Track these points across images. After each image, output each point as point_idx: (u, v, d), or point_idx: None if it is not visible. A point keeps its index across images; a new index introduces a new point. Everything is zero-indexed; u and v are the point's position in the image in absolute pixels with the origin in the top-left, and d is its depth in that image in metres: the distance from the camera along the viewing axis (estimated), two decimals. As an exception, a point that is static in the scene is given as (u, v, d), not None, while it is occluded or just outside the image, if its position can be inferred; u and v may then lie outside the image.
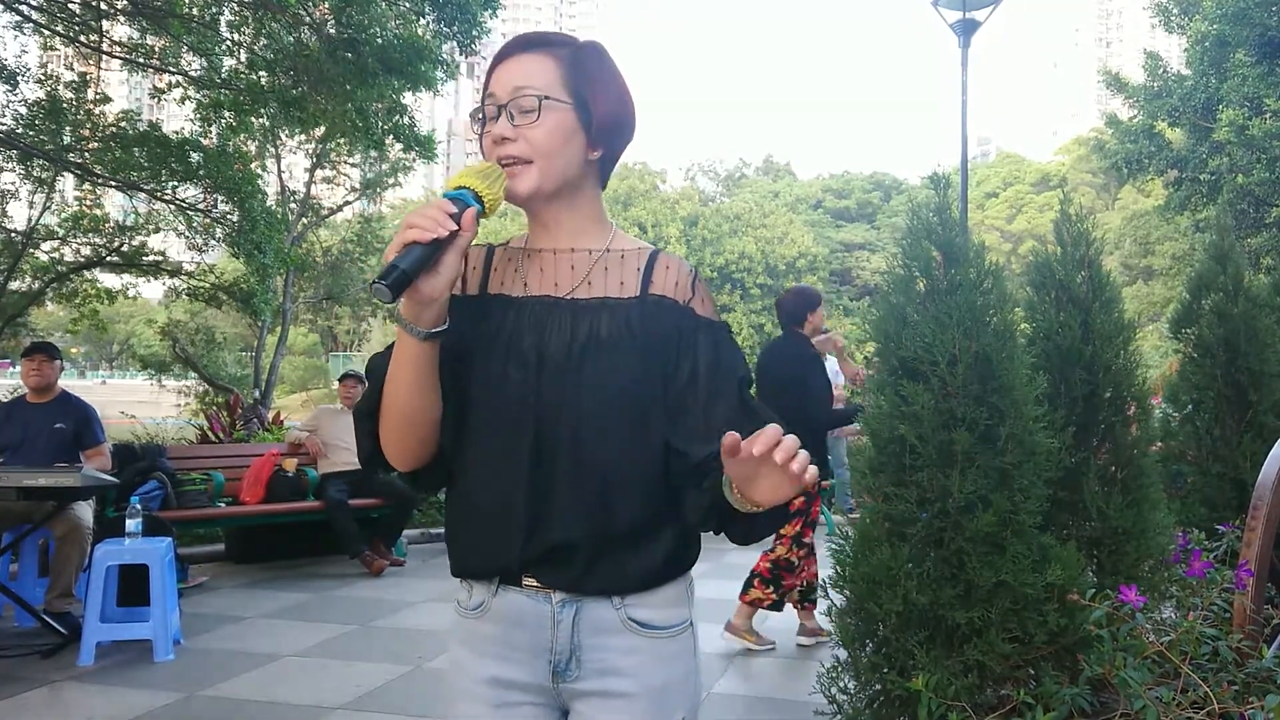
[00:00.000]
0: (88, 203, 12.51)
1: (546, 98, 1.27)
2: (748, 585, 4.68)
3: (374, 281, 1.12)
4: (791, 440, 1.05)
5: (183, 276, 12.85)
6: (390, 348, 1.28)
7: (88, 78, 10.67)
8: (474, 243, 1.25)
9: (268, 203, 10.36)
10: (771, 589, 4.63)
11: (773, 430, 1.04)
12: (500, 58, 1.32)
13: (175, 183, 9.90)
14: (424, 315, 1.18)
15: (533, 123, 1.26)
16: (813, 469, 1.05)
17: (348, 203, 18.07)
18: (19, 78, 9.61)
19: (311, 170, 16.61)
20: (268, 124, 11.58)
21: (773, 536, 4.56)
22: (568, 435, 1.24)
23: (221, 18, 8.68)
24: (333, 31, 7.64)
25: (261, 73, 8.31)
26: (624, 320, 1.29)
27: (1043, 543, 2.35)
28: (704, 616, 5.50)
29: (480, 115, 1.32)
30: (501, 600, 1.29)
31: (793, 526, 4.59)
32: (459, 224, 1.16)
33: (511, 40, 1.34)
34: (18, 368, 5.36)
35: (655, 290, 1.32)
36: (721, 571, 5.96)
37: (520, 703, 1.31)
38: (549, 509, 1.25)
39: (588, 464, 1.24)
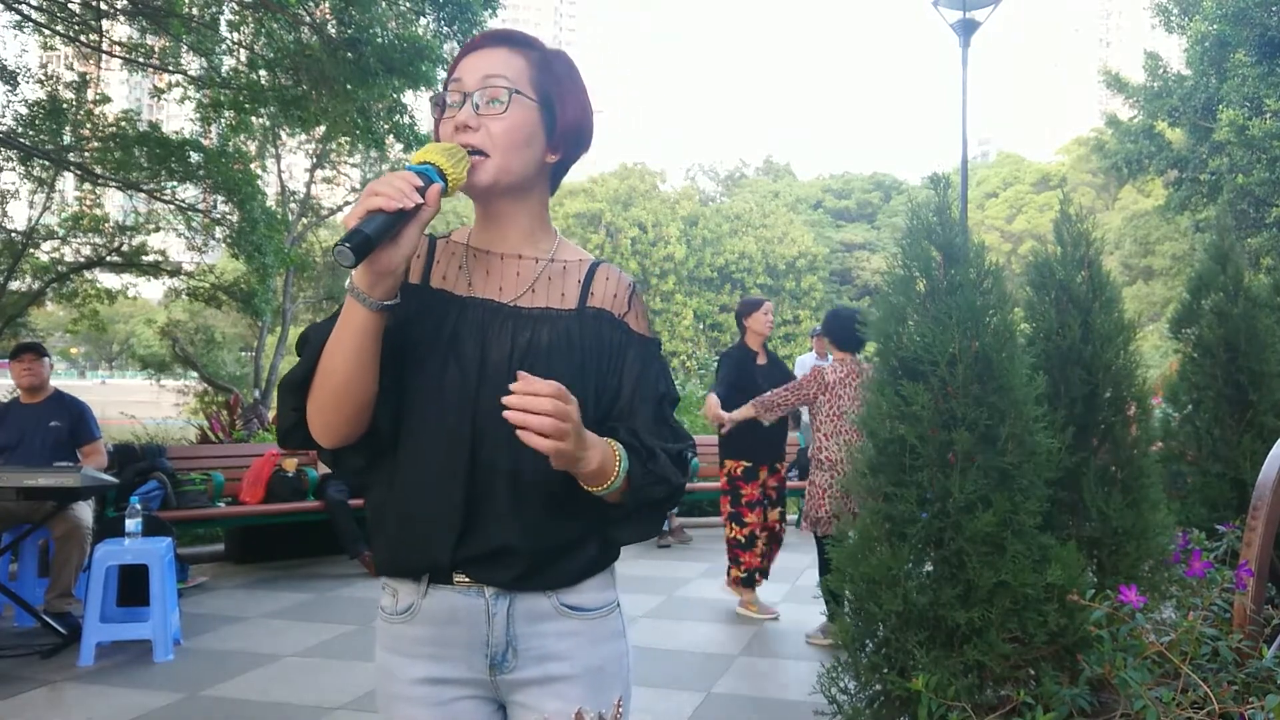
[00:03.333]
0: (88, 203, 12.50)
1: (517, 91, 1.27)
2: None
3: (337, 244, 1.10)
4: (536, 402, 1.11)
5: (183, 276, 12.86)
6: (329, 319, 1.26)
7: (88, 78, 10.67)
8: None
9: (268, 203, 10.36)
10: (732, 566, 5.39)
11: (524, 388, 1.12)
12: (471, 48, 1.32)
13: (175, 183, 9.91)
14: (378, 286, 1.16)
15: (499, 114, 1.26)
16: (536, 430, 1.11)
17: (348, 203, 18.10)
18: (19, 78, 9.61)
19: (311, 170, 16.65)
20: (268, 124, 11.59)
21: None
22: (506, 442, 1.20)
23: (221, 18, 8.68)
24: (333, 31, 7.64)
25: (261, 72, 8.32)
26: (564, 332, 1.30)
27: (1043, 543, 2.35)
28: (701, 617, 5.52)
29: (441, 101, 1.30)
30: (432, 600, 1.28)
31: (725, 504, 5.36)
32: (423, 198, 1.15)
33: (484, 34, 1.34)
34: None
35: (594, 303, 1.34)
36: (718, 572, 5.96)
37: (457, 698, 1.31)
38: (487, 512, 1.25)
39: (527, 471, 1.23)
